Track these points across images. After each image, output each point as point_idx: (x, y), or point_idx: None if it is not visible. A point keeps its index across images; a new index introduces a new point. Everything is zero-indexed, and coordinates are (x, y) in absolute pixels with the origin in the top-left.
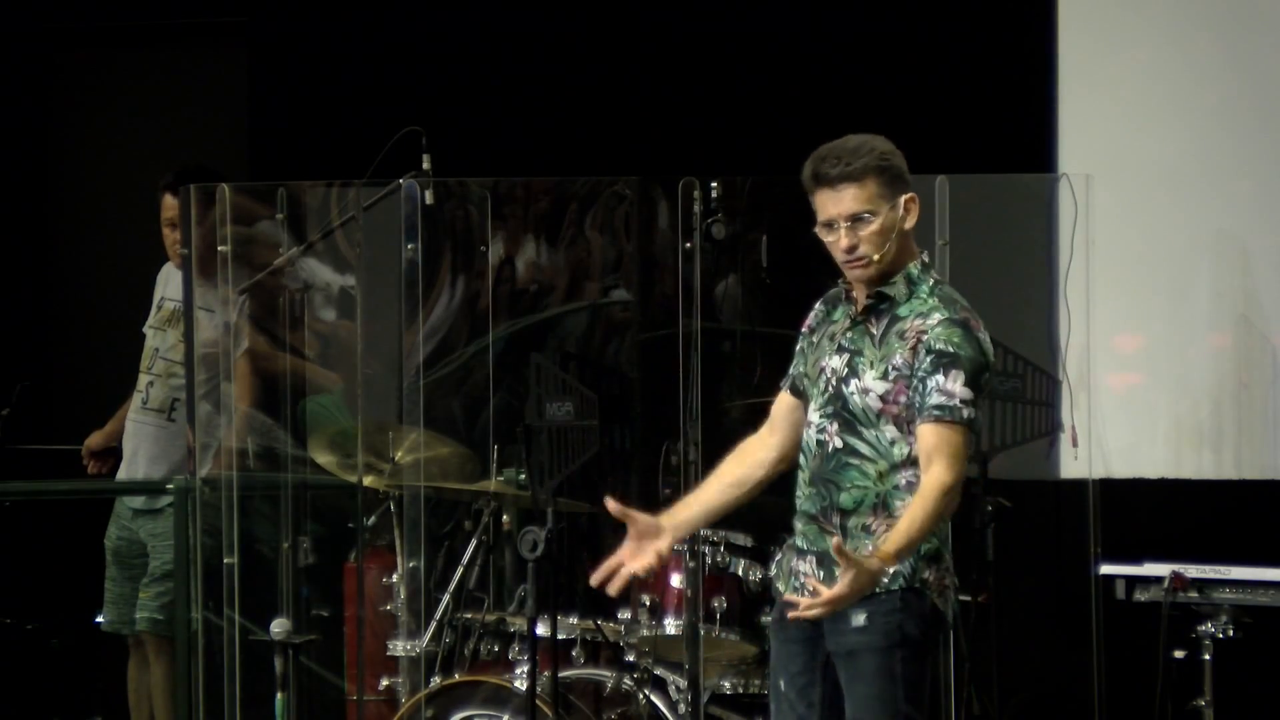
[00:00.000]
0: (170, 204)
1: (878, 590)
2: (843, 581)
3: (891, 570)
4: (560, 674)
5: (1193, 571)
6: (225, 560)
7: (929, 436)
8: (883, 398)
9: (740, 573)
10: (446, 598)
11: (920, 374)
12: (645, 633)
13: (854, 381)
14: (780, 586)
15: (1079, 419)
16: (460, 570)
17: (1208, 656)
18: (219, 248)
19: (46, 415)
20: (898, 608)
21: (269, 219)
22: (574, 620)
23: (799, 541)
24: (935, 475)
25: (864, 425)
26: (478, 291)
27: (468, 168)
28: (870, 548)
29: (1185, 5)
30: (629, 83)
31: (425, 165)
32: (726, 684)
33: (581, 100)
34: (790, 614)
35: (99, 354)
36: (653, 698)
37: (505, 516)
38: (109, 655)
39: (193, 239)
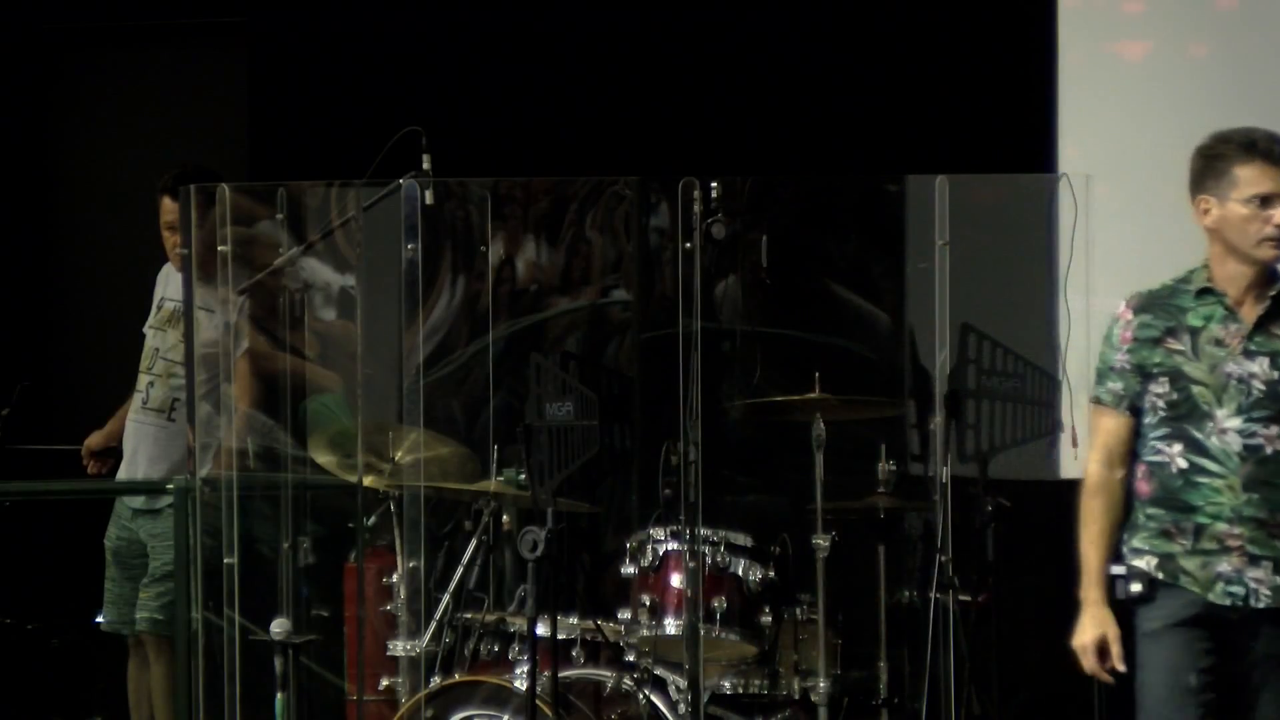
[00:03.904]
0: (169, 207)
1: None
2: None
3: None
4: (560, 674)
5: None
6: (225, 560)
7: None
8: None
9: (740, 573)
10: (446, 598)
11: None
12: (645, 633)
13: None
14: (1197, 590)
15: (1079, 419)
16: (460, 570)
17: None
18: (219, 248)
19: (46, 415)
20: None
21: (269, 219)
22: (574, 620)
23: (1248, 546)
24: None
25: None
26: (478, 292)
27: (468, 168)
28: None
29: (1185, 4)
30: (629, 83)
31: (425, 165)
32: (726, 684)
33: (581, 100)
34: None
35: (99, 354)
36: (653, 698)
37: (505, 516)
38: (109, 655)
39: (193, 239)
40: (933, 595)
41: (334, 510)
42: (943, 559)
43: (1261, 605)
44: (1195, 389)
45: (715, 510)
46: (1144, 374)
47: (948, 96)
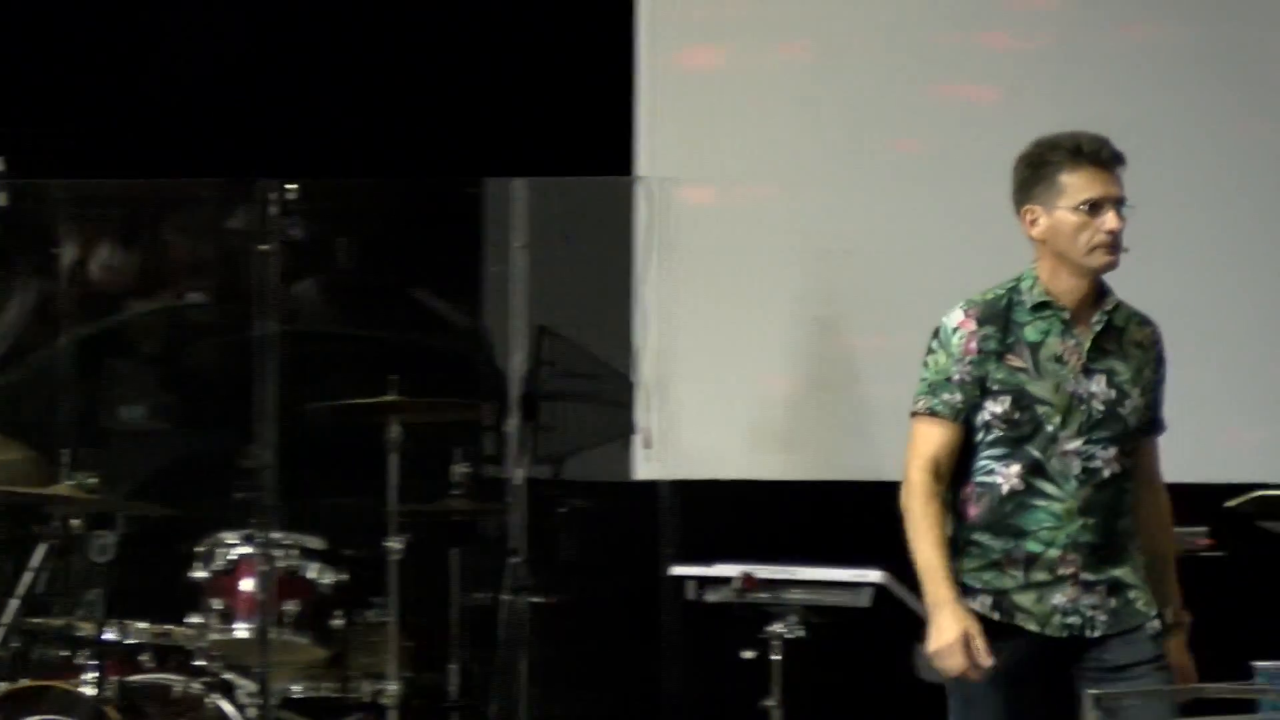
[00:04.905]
0: None
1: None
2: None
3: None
4: (129, 679)
5: (763, 572)
6: None
7: (1154, 450)
8: (1139, 415)
9: (313, 576)
10: (14, 602)
11: (1154, 384)
12: (216, 637)
13: (1127, 402)
14: (1034, 628)
15: (654, 421)
16: (29, 575)
17: (777, 656)
18: None
19: None
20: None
21: None
22: (144, 625)
23: (1082, 574)
24: (1165, 493)
25: (1130, 445)
26: (52, 294)
27: (45, 169)
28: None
29: (767, 7)
30: (208, 85)
31: (0, 166)
32: (297, 688)
33: (160, 102)
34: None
35: None
36: (221, 703)
37: (76, 521)
38: None
39: None
40: (505, 597)
41: None
42: (516, 561)
43: (1098, 634)
44: (1041, 409)
45: (292, 513)
46: (983, 388)
47: (527, 99)
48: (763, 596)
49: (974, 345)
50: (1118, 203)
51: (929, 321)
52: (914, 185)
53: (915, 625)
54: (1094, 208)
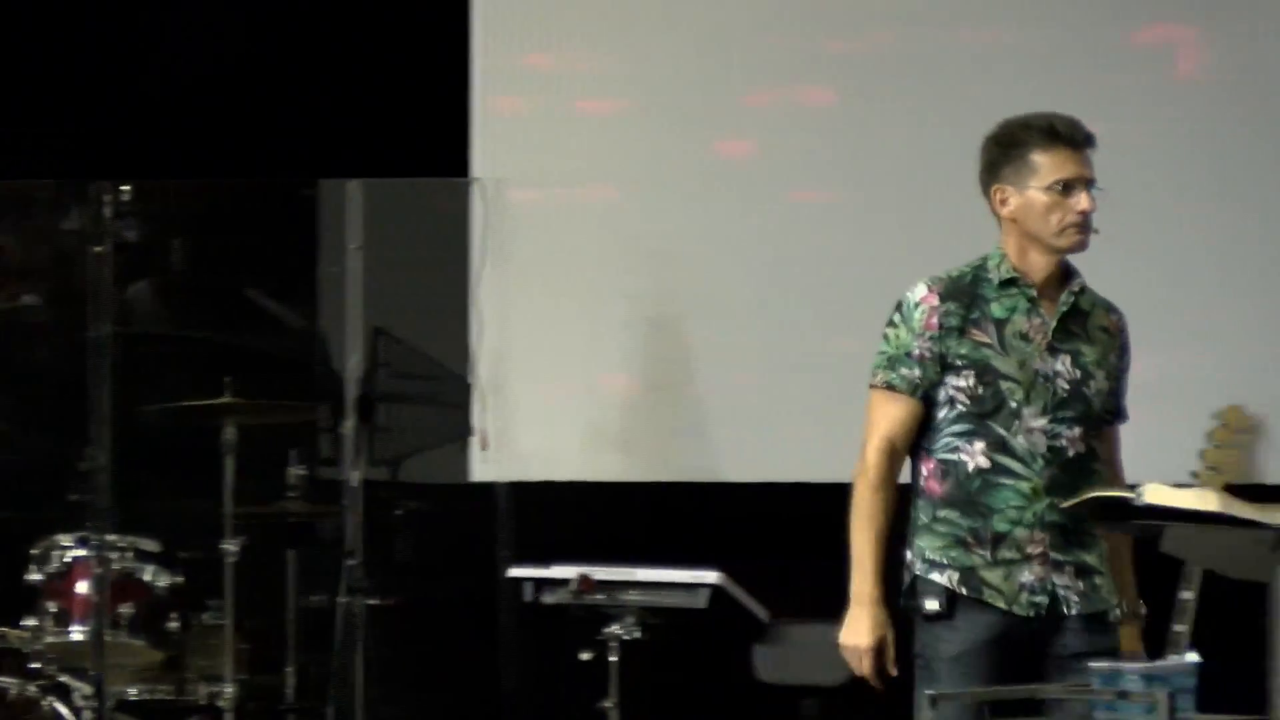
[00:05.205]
0: None
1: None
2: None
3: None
4: None
5: (600, 574)
6: None
7: (1117, 439)
8: (1104, 400)
9: (148, 578)
10: None
11: (1118, 371)
12: (51, 639)
13: (1092, 383)
14: (1001, 605)
15: (490, 422)
16: None
17: (614, 658)
18: None
19: None
20: None
21: None
22: None
23: (1051, 553)
24: (1125, 482)
25: (1095, 427)
26: None
27: None
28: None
29: (601, 11)
30: (38, 84)
31: None
32: (133, 691)
33: None
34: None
35: None
36: (57, 705)
37: None
38: None
39: None
40: (342, 599)
41: None
42: (353, 563)
43: (1073, 612)
44: (1005, 385)
45: (127, 516)
46: (944, 364)
47: (362, 101)
48: (600, 598)
49: (935, 320)
50: (1089, 184)
51: (762, 320)
52: (747, 187)
53: (752, 626)
54: (1066, 188)
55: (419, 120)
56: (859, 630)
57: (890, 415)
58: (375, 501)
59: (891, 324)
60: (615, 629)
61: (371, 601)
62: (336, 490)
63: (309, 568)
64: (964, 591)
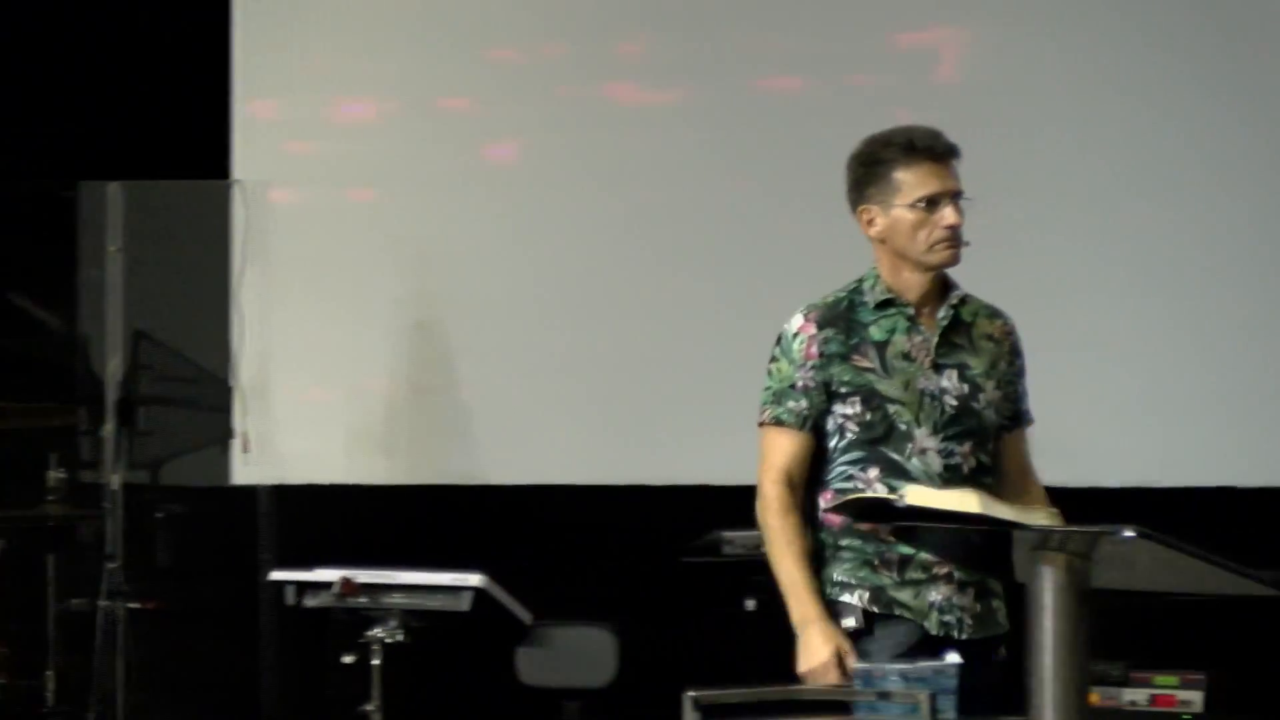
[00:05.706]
0: None
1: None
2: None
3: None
4: None
5: (363, 577)
6: None
7: (1024, 443)
8: (997, 409)
9: None
10: None
11: (1012, 376)
12: None
13: (981, 395)
14: (914, 619)
15: (251, 425)
16: None
17: (377, 661)
18: None
19: None
20: None
21: None
22: None
23: (956, 573)
24: (1041, 486)
25: (989, 440)
26: None
27: None
28: None
29: (361, 12)
30: None
31: None
32: None
33: None
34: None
35: None
36: None
37: None
38: None
39: None
40: (103, 603)
41: None
42: (113, 566)
43: (964, 637)
44: (892, 408)
45: None
46: (829, 392)
47: (121, 102)
48: (362, 601)
49: (815, 349)
50: (955, 196)
51: (523, 324)
52: (509, 190)
53: (515, 628)
54: (931, 203)
55: (179, 122)
56: (814, 649)
57: (782, 449)
58: (136, 505)
59: (773, 358)
60: (378, 632)
61: (132, 605)
62: (97, 493)
63: (69, 571)
64: (876, 609)
